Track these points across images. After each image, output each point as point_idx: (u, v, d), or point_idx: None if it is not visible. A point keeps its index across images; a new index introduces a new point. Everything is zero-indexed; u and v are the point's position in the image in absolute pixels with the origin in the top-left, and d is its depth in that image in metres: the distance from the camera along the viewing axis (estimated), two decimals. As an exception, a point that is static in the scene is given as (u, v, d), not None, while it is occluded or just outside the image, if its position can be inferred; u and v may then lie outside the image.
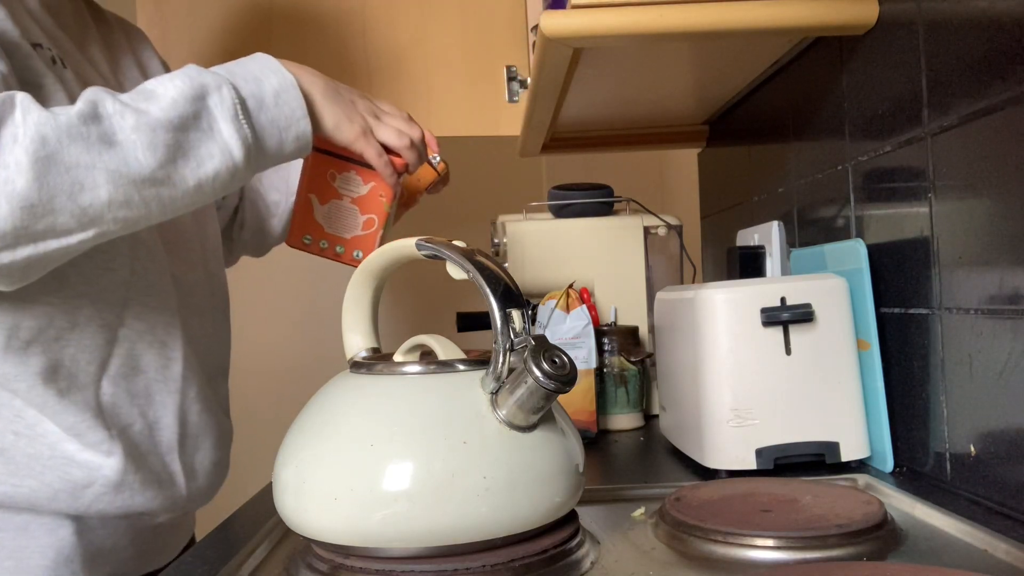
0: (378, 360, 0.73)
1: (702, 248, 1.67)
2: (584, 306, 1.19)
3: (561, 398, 0.65)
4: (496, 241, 1.42)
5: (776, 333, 0.90)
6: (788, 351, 0.89)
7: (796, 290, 0.90)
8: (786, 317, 0.89)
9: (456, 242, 0.70)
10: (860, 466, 0.91)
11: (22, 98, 0.71)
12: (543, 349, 0.63)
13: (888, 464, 0.88)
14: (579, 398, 1.15)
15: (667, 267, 1.43)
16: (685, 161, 1.87)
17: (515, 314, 0.65)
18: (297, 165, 1.04)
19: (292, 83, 0.82)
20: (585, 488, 0.70)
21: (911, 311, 0.86)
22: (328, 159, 0.94)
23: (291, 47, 1.46)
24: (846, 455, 0.89)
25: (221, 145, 0.77)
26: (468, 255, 0.68)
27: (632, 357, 1.25)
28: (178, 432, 0.92)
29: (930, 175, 0.81)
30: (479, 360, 0.68)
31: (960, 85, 0.75)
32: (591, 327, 1.18)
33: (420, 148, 0.93)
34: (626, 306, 1.37)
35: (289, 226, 0.98)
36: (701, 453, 0.93)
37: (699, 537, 0.69)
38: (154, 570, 0.94)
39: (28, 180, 0.69)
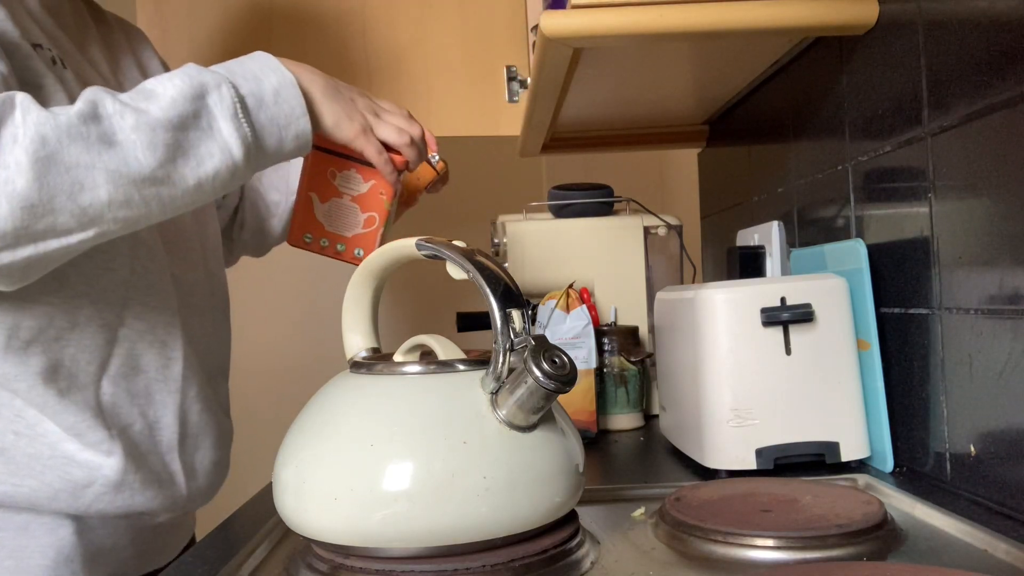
0: (378, 360, 0.73)
1: (702, 248, 1.67)
2: (584, 306, 1.19)
3: (561, 398, 0.65)
4: (496, 241, 1.42)
5: (776, 333, 0.90)
6: (788, 351, 0.89)
7: (796, 290, 0.90)
8: (786, 317, 0.89)
9: (456, 242, 0.70)
10: (860, 466, 0.91)
11: (22, 98, 0.71)
12: (543, 349, 0.63)
13: (888, 464, 0.88)
14: (579, 398, 1.15)
15: (667, 267, 1.43)
16: (685, 161, 1.87)
17: (515, 314, 0.65)
18: (297, 165, 1.04)
19: (291, 81, 0.82)
20: (585, 488, 0.70)
21: (911, 311, 0.86)
22: (328, 157, 0.94)
23: (291, 47, 1.46)
24: (846, 455, 0.89)
25: (221, 144, 0.77)
26: (468, 255, 0.68)
27: (632, 357, 1.25)
28: (178, 432, 0.92)
29: (930, 175, 0.81)
30: (479, 360, 0.68)
31: (960, 85, 0.75)
32: (591, 327, 1.18)
33: (420, 146, 0.93)
34: (626, 306, 1.37)
35: (289, 225, 0.98)
36: (701, 453, 0.93)
37: (699, 537, 0.69)
38: (154, 570, 0.94)
39: (28, 180, 0.69)
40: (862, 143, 0.95)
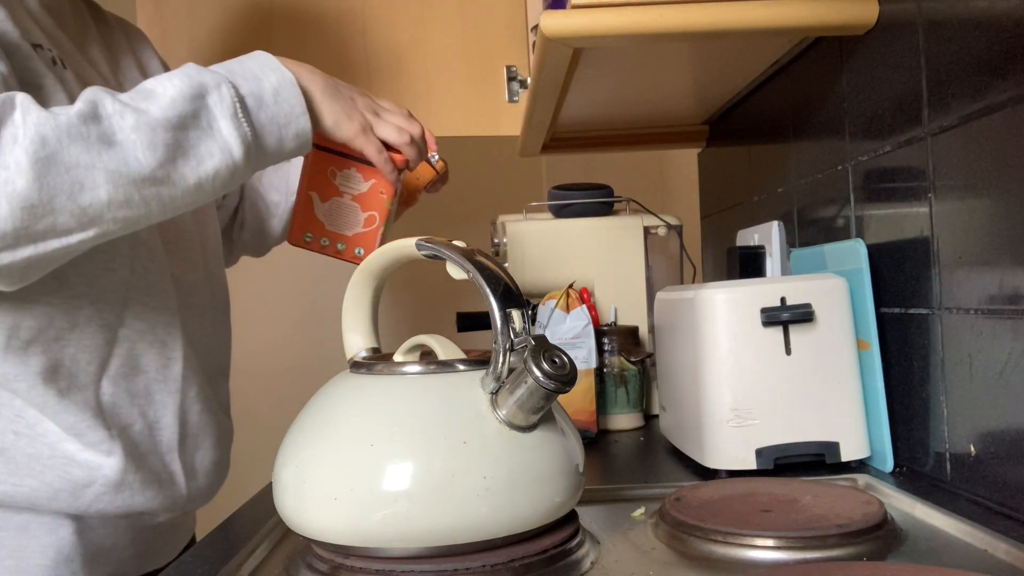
0: (378, 360, 0.73)
1: (702, 248, 1.67)
2: (584, 306, 1.19)
3: (561, 398, 0.65)
4: (496, 241, 1.42)
5: (776, 333, 0.90)
6: (788, 351, 0.89)
7: (796, 290, 0.90)
8: (786, 317, 0.89)
9: (456, 242, 0.70)
10: (860, 466, 0.91)
11: (22, 99, 0.71)
12: (543, 349, 0.63)
13: (888, 464, 0.88)
14: (579, 398, 1.15)
15: (667, 267, 1.43)
16: (685, 161, 1.87)
17: (515, 314, 0.65)
18: (297, 165, 1.04)
19: (291, 80, 0.82)
20: (585, 488, 0.70)
21: (911, 311, 0.86)
22: (328, 156, 0.94)
23: (291, 47, 1.46)
24: (846, 455, 0.89)
25: (221, 143, 0.77)
26: (468, 255, 0.68)
27: (632, 357, 1.25)
28: (178, 432, 0.92)
29: (930, 175, 0.81)
30: (479, 360, 0.68)
31: (960, 85, 0.75)
32: (591, 327, 1.18)
33: (420, 145, 0.93)
34: (626, 306, 1.37)
35: (290, 225, 0.98)
36: (701, 453, 0.93)
37: (699, 537, 0.69)
38: (154, 570, 0.94)
39: (28, 180, 0.69)
40: (862, 143, 0.95)
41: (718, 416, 0.90)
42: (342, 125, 0.86)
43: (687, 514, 0.72)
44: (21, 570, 0.83)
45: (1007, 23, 0.68)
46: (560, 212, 1.42)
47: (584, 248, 1.39)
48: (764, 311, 0.89)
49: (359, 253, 0.96)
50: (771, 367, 0.89)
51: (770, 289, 0.90)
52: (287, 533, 0.80)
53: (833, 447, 0.89)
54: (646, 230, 1.40)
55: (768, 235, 1.12)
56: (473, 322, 1.43)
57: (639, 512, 0.80)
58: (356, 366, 0.72)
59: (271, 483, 0.70)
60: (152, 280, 0.90)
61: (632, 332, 1.29)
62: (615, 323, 1.34)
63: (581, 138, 1.55)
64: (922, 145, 0.82)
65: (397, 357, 0.73)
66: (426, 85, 1.48)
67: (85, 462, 0.83)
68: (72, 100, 0.75)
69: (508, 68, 1.48)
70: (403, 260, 0.74)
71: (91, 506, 0.85)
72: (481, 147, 1.96)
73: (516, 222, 1.41)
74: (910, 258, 0.85)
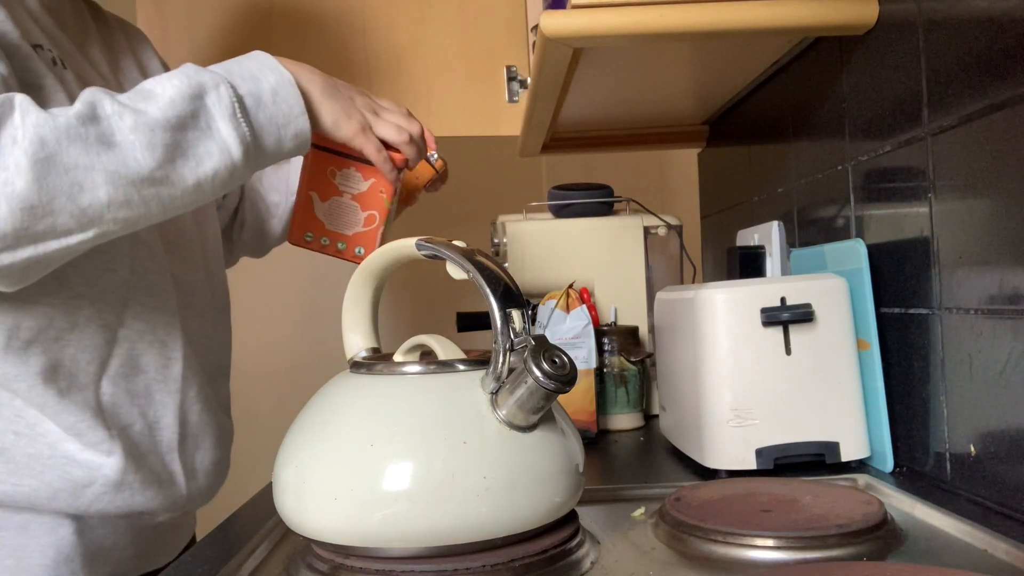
0: (378, 360, 0.73)
1: (702, 248, 1.67)
2: (584, 306, 1.19)
3: (561, 398, 0.65)
4: (496, 241, 1.42)
5: (776, 333, 0.90)
6: (788, 351, 0.89)
7: (796, 290, 0.90)
8: (786, 317, 0.89)
9: (456, 242, 0.70)
10: (860, 466, 0.91)
11: (21, 100, 0.71)
12: (543, 349, 0.63)
13: (888, 464, 0.88)
14: (579, 398, 1.15)
15: (667, 267, 1.43)
16: (685, 161, 1.87)
17: (515, 314, 0.65)
18: (297, 166, 1.04)
19: (290, 80, 0.82)
20: (585, 488, 0.70)
21: (911, 311, 0.86)
22: (328, 156, 0.94)
23: (291, 47, 1.46)
24: (846, 455, 0.89)
25: (220, 144, 0.77)
26: (468, 255, 0.68)
27: (632, 357, 1.25)
28: (178, 432, 0.92)
29: (930, 175, 0.81)
30: (479, 360, 0.68)
31: (960, 85, 0.75)
32: (591, 327, 1.18)
33: (419, 144, 0.93)
34: (626, 306, 1.37)
35: (290, 224, 0.98)
36: (701, 453, 0.93)
37: (699, 537, 0.69)
38: (154, 570, 0.94)
39: (28, 181, 0.69)
40: (862, 143, 0.95)
41: (718, 416, 0.90)
42: (341, 124, 0.86)
43: (687, 514, 0.72)
44: (21, 570, 0.83)
45: (1007, 23, 0.68)
46: (560, 212, 1.42)
47: (584, 248, 1.39)
48: (764, 311, 0.89)
49: (359, 252, 0.96)
50: (771, 367, 0.89)
51: (770, 289, 0.90)
52: (287, 533, 0.80)
53: (833, 447, 0.89)
54: (646, 230, 1.40)
55: (768, 235, 1.12)
56: (473, 322, 1.43)
57: (639, 512, 0.80)
58: (356, 366, 0.72)
59: (271, 483, 0.70)
60: (152, 280, 0.90)
61: (632, 332, 1.29)
62: (615, 323, 1.34)
63: (581, 138, 1.55)
64: (922, 145, 0.82)
65: (397, 357, 0.73)
66: (426, 85, 1.48)
67: (85, 462, 0.83)
68: (72, 100, 0.75)
69: (508, 68, 1.48)
70: (403, 260, 0.74)
71: (91, 506, 0.85)
72: (481, 147, 1.96)
73: (516, 222, 1.41)
74: (910, 258, 0.85)
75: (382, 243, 0.96)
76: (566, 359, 0.64)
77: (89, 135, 0.72)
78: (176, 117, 0.75)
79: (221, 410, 1.02)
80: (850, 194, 0.99)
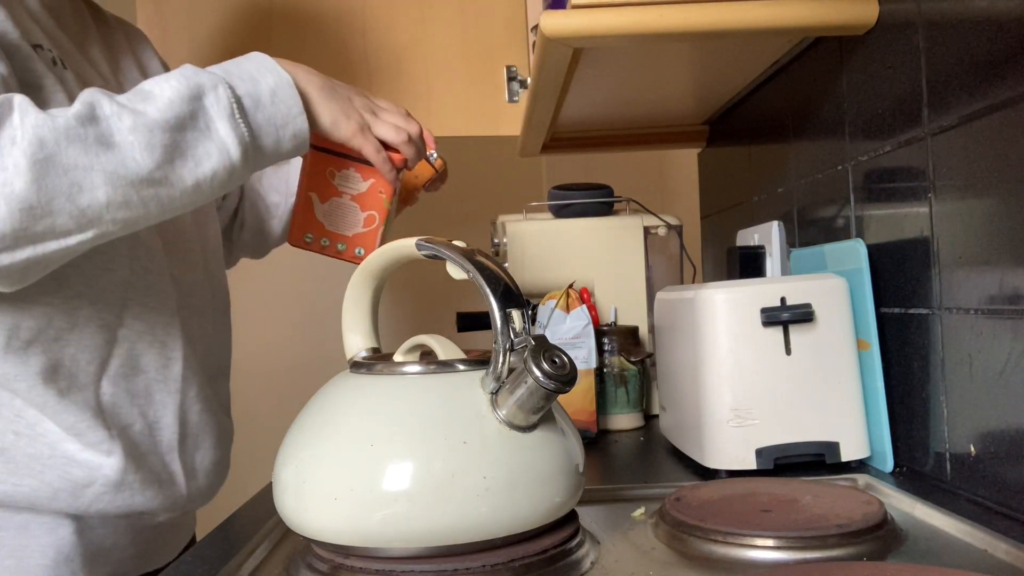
0: (378, 360, 0.73)
1: (702, 248, 1.67)
2: (584, 306, 1.19)
3: (561, 398, 0.65)
4: (496, 241, 1.42)
5: (776, 333, 0.90)
6: (788, 351, 0.89)
7: (796, 290, 0.90)
8: (786, 317, 0.89)
9: (456, 242, 0.70)
10: (860, 466, 0.91)
11: (20, 100, 0.71)
12: (543, 349, 0.63)
13: (888, 464, 0.88)
14: (579, 398, 1.15)
15: (667, 267, 1.43)
16: (685, 161, 1.87)
17: (515, 314, 0.65)
18: (297, 166, 1.04)
19: (288, 81, 0.82)
20: (585, 488, 0.70)
21: (911, 311, 0.86)
22: (327, 157, 0.94)
23: (291, 47, 1.46)
24: (846, 455, 0.89)
25: (218, 144, 0.77)
26: (468, 255, 0.68)
27: (632, 357, 1.25)
28: (178, 432, 0.92)
29: (930, 175, 0.81)
30: (479, 360, 0.68)
31: (960, 85, 0.75)
32: (591, 327, 1.18)
33: (418, 143, 0.93)
34: (626, 306, 1.37)
35: (289, 226, 0.98)
36: (701, 453, 0.93)
37: (699, 537, 0.69)
38: (154, 570, 0.94)
39: (27, 182, 0.69)
40: (862, 143, 0.95)
41: (718, 416, 0.90)
42: (340, 125, 0.86)
43: (687, 514, 0.72)
44: (21, 570, 0.83)
45: (1007, 23, 0.68)
46: (560, 212, 1.42)
47: (584, 248, 1.39)
48: (764, 311, 0.89)
49: (359, 253, 0.96)
50: (771, 367, 0.89)
51: (770, 289, 0.90)
52: (287, 533, 0.80)
53: (833, 447, 0.89)
54: (646, 230, 1.40)
55: (768, 235, 1.12)
56: (473, 322, 1.43)
57: (639, 512, 0.80)
58: (356, 366, 0.72)
59: (271, 483, 0.70)
60: (152, 280, 0.90)
61: (632, 332, 1.29)
62: (615, 323, 1.34)
63: (581, 138, 1.55)
64: (922, 145, 0.82)
65: (397, 357, 0.73)
66: (426, 85, 1.48)
67: (85, 462, 0.83)
68: (73, 100, 0.75)
69: (508, 68, 1.48)
70: (403, 260, 0.74)
71: (91, 506, 0.85)
72: (481, 147, 1.96)
73: (516, 222, 1.41)
74: (910, 258, 0.85)
75: (382, 243, 0.96)
76: (566, 359, 0.64)
77: (88, 136, 0.72)
78: (175, 118, 0.75)
79: (221, 410, 1.02)
80: (850, 194, 0.99)
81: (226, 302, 1.08)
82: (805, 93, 1.11)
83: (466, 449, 0.62)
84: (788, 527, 0.68)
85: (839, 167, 1.01)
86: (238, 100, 0.79)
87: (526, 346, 0.64)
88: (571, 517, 0.71)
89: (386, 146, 0.91)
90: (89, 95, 0.74)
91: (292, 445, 0.68)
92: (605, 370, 1.24)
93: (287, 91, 0.82)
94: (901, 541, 0.69)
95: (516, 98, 1.48)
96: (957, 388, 0.78)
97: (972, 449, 0.76)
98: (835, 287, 0.90)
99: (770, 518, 0.71)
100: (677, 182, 2.11)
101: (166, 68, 1.07)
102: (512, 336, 0.64)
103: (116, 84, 0.95)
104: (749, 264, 1.15)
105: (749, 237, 1.19)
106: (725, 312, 0.90)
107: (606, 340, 1.26)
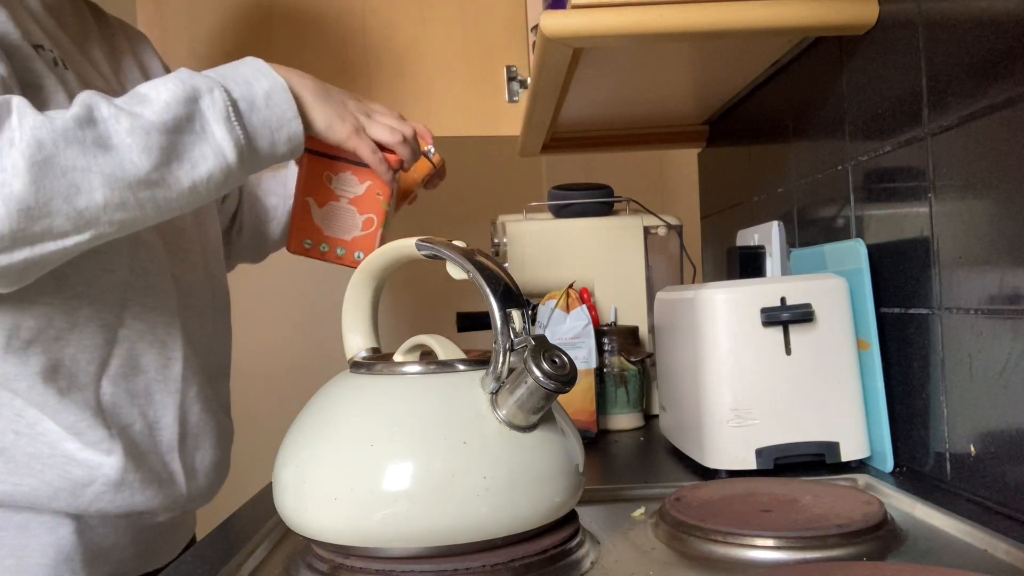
0: (378, 360, 0.73)
1: (702, 248, 1.67)
2: (584, 306, 1.19)
3: (561, 398, 0.65)
4: (496, 241, 1.42)
5: (776, 333, 0.90)
6: (788, 351, 0.89)
7: (796, 290, 0.90)
8: (786, 317, 0.89)
9: (456, 242, 0.70)
10: (860, 466, 0.91)
11: (18, 102, 0.71)
12: (543, 349, 0.63)
13: (888, 464, 0.88)
14: (579, 398, 1.15)
15: (667, 267, 1.43)
16: (685, 161, 1.87)
17: (515, 314, 0.65)
18: (295, 169, 1.04)
19: (283, 85, 0.83)
20: (585, 488, 0.70)
21: (911, 311, 0.86)
22: (323, 161, 0.94)
23: (291, 47, 1.46)
24: (846, 455, 0.89)
25: (214, 147, 0.78)
26: (468, 255, 0.68)
27: (632, 357, 1.25)
28: (178, 432, 0.92)
29: (930, 175, 0.81)
30: (479, 360, 0.68)
31: (960, 85, 0.75)
32: (591, 327, 1.18)
33: (413, 144, 0.93)
34: (626, 306, 1.37)
35: (288, 232, 0.98)
36: (701, 453, 0.93)
37: (699, 537, 0.69)
38: (154, 569, 0.94)
39: (25, 183, 0.69)
40: (862, 143, 0.95)
41: (718, 416, 0.90)
42: (335, 127, 0.87)
43: (687, 514, 0.72)
44: (21, 569, 0.83)
45: (1007, 23, 0.68)
46: (560, 212, 1.42)
47: (584, 248, 1.39)
48: (764, 311, 0.89)
49: (359, 257, 0.96)
50: (771, 367, 0.89)
51: (770, 289, 0.90)
52: (287, 533, 0.80)
53: (833, 447, 0.89)
54: (646, 230, 1.40)
55: (768, 235, 1.12)
56: (473, 322, 1.43)
57: (639, 512, 0.80)
58: (356, 366, 0.72)
59: (271, 483, 0.70)
60: (152, 280, 0.90)
61: (632, 332, 1.30)
62: (615, 323, 1.34)
63: (581, 138, 1.55)
64: (922, 145, 0.82)
65: (397, 357, 0.73)
66: (426, 85, 1.48)
67: (85, 461, 0.84)
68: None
69: (508, 68, 1.48)
70: (403, 260, 0.74)
71: (91, 505, 0.85)
72: (481, 147, 1.96)
73: (516, 222, 1.41)
74: (910, 258, 0.85)
75: (381, 245, 0.96)
76: (566, 359, 0.64)
77: (86, 138, 0.72)
78: (172, 120, 0.76)
79: (221, 410, 1.02)
80: (850, 194, 0.99)
81: (226, 302, 1.08)
82: (805, 93, 1.11)
83: (466, 449, 0.62)
84: (788, 527, 0.68)
85: (839, 167, 1.01)
86: (234, 103, 0.79)
87: (526, 346, 0.64)
88: (571, 517, 0.71)
89: (382, 148, 0.91)
90: (87, 97, 0.74)
91: (292, 445, 0.68)
92: (605, 370, 1.24)
93: (282, 95, 0.82)
94: (901, 541, 0.69)
95: (516, 98, 1.48)
96: (957, 388, 0.78)
97: (972, 449, 0.76)
98: (835, 287, 0.90)
99: (770, 518, 0.71)
100: (677, 182, 2.11)
101: (167, 69, 1.08)
102: (512, 336, 0.64)
103: (117, 85, 0.96)
104: (749, 264, 1.15)
105: (749, 237, 1.19)
106: (725, 312, 0.90)
107: (606, 340, 1.26)
